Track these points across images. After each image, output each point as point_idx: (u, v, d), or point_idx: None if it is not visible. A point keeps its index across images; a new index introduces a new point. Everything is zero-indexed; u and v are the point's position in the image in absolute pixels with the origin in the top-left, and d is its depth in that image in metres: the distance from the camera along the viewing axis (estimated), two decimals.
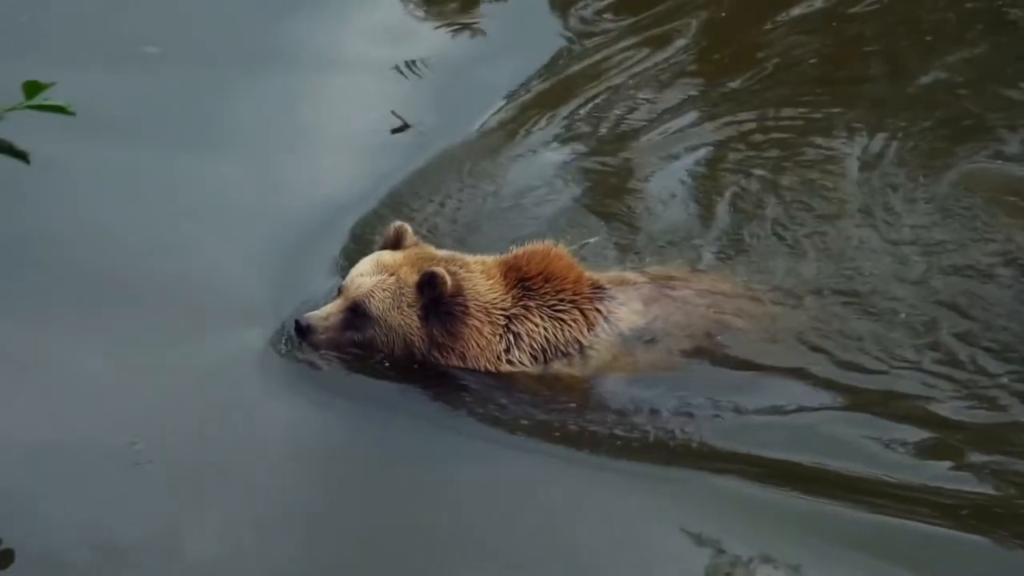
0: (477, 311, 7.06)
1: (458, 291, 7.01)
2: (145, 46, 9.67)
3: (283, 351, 7.17)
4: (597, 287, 7.30)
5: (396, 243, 7.22)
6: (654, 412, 6.96)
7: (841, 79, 9.91)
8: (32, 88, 4.92)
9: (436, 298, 6.97)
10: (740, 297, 7.52)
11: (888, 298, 7.65)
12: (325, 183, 8.66)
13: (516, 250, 7.32)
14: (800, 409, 7.03)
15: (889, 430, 6.88)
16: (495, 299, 7.12)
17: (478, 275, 7.13)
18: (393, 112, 9.34)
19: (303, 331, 6.98)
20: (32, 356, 7.02)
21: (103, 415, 6.80)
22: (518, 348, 7.12)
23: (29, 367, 6.78)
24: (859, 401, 7.08)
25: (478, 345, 7.06)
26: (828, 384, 7.17)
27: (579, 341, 7.18)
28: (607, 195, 8.77)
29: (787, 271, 7.86)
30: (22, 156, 5.02)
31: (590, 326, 7.19)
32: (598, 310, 7.23)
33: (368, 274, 7.03)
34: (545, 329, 7.14)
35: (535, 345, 7.13)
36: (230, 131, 9.06)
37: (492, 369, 7.10)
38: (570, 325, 7.17)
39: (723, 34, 10.56)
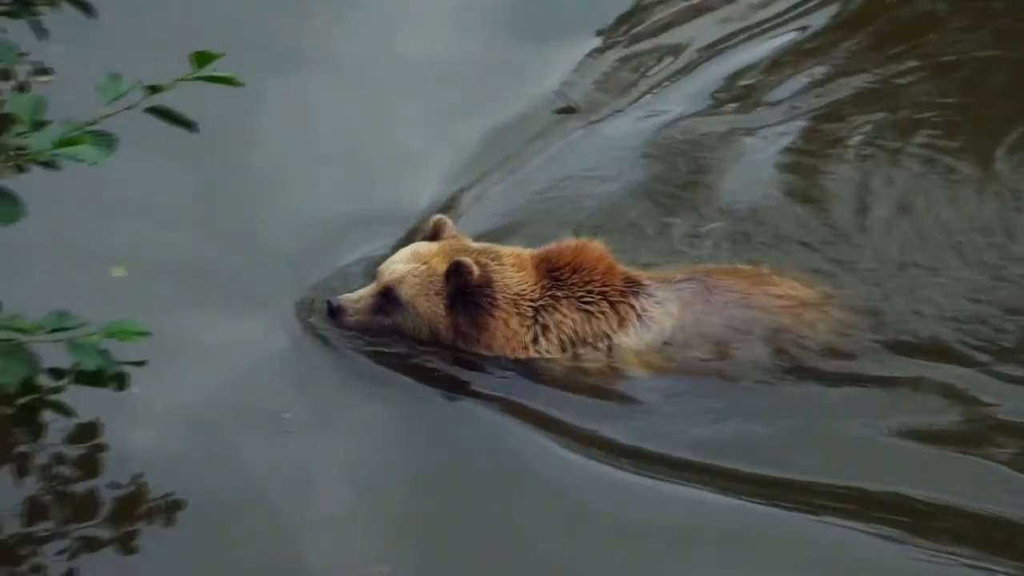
0: (505, 303, 7.14)
1: (487, 282, 7.12)
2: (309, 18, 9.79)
3: (308, 321, 7.36)
4: (632, 282, 7.26)
5: (435, 236, 7.36)
6: (674, 418, 6.93)
7: (982, 76, 9.51)
8: (201, 58, 4.96)
9: (462, 287, 7.08)
10: (803, 303, 7.34)
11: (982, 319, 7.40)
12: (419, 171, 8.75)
13: (551, 244, 7.38)
14: (841, 430, 6.87)
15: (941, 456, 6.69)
16: (524, 290, 7.18)
17: (509, 267, 7.21)
18: (557, 93, 9.28)
19: (334, 312, 7.19)
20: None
21: (253, 383, 7.09)
22: (545, 339, 7.17)
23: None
24: (921, 426, 6.87)
25: (504, 336, 7.14)
26: (889, 407, 6.96)
27: (607, 335, 7.18)
28: (702, 176, 8.65)
29: (886, 278, 7.69)
30: (190, 125, 5.07)
31: (620, 321, 7.19)
32: (631, 305, 7.20)
33: (402, 262, 7.20)
34: (573, 321, 7.17)
35: (563, 337, 7.17)
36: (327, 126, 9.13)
37: (520, 357, 7.16)
38: (598, 317, 7.18)
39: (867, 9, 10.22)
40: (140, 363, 5.21)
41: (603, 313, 7.17)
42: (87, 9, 6.07)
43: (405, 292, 7.13)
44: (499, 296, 7.12)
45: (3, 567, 5.91)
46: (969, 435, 6.76)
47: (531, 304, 7.17)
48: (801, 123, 9.11)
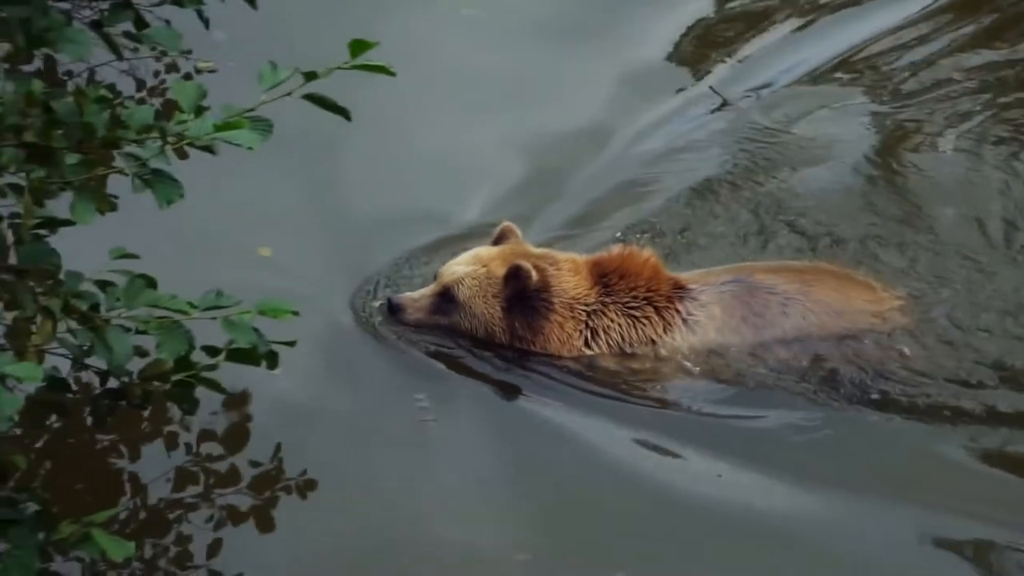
0: (561, 307, 7.24)
1: (544, 286, 7.22)
2: (463, 8, 9.87)
3: (365, 317, 7.46)
4: (678, 286, 7.30)
5: (499, 240, 7.49)
6: (714, 423, 6.97)
7: None
8: (357, 46, 5.04)
9: (520, 291, 7.19)
10: (856, 310, 7.23)
11: None
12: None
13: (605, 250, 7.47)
14: (878, 447, 6.78)
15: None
16: (579, 294, 7.26)
17: (566, 272, 7.29)
18: (711, 87, 9.26)
19: (394, 309, 7.33)
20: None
21: (388, 368, 7.29)
22: (596, 343, 7.25)
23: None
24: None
25: (559, 339, 7.24)
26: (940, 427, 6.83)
27: (653, 340, 7.22)
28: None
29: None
30: (343, 112, 5.16)
31: (666, 326, 7.24)
32: (677, 310, 7.25)
33: (462, 264, 7.35)
34: (620, 326, 7.24)
35: (611, 341, 7.25)
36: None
37: (573, 356, 7.25)
38: (643, 323, 7.25)
39: None
40: (291, 343, 5.35)
41: (648, 318, 7.25)
42: (250, 0, 6.26)
43: (463, 293, 7.27)
44: (556, 300, 7.23)
45: (153, 532, 6.14)
46: None
47: (584, 308, 7.27)
48: (902, 109, 8.93)
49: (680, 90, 9.46)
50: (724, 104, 9.24)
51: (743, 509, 6.46)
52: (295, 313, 5.07)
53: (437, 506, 6.46)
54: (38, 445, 6.43)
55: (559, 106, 9.25)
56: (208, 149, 4.90)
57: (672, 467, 6.71)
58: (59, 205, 4.97)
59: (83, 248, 5.30)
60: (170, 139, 4.86)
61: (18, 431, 6.34)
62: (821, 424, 6.88)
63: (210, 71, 8.72)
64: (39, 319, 5.00)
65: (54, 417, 6.43)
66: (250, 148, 4.82)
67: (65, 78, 8.43)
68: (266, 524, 6.25)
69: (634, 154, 8.88)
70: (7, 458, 5.07)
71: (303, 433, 6.71)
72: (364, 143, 8.57)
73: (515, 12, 9.97)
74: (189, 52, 8.60)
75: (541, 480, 6.67)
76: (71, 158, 4.88)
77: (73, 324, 5.06)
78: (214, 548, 6.09)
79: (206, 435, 6.58)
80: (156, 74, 8.76)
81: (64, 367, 5.71)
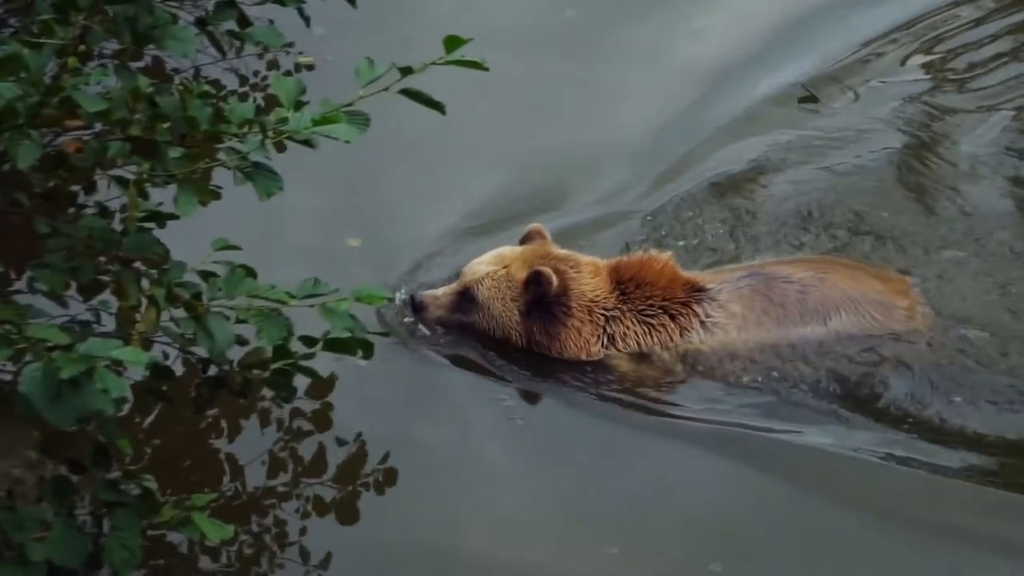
0: (579, 311, 7.24)
1: (564, 291, 7.22)
2: (566, 9, 9.90)
3: (402, 320, 7.38)
4: (696, 289, 7.27)
5: (526, 241, 7.48)
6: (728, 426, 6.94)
7: None
8: (452, 42, 5.13)
9: (540, 296, 7.19)
10: (871, 301, 7.17)
11: None
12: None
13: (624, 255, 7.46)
14: (898, 456, 6.70)
15: None
16: (598, 297, 7.26)
17: (587, 275, 7.28)
18: (803, 85, 9.21)
19: (416, 307, 7.31)
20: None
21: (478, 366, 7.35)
22: (613, 347, 7.25)
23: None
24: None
25: (576, 345, 7.25)
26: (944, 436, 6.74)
27: (668, 347, 7.22)
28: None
29: None
30: (438, 106, 5.25)
31: (682, 331, 7.22)
32: (694, 313, 7.22)
33: (485, 263, 7.35)
34: (636, 333, 7.24)
35: (628, 348, 7.25)
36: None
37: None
38: (658, 330, 7.24)
39: None
40: (385, 334, 5.45)
41: (663, 325, 7.24)
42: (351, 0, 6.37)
43: (482, 294, 7.28)
44: (574, 304, 7.23)
45: (250, 515, 6.31)
46: None
47: (603, 312, 7.27)
48: (954, 93, 8.82)
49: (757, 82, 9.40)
50: (812, 99, 9.17)
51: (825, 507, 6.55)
52: (390, 299, 5.17)
53: (525, 500, 6.54)
54: (147, 425, 6.60)
55: (624, 105, 9.22)
56: (307, 143, 5.02)
57: (747, 468, 6.75)
58: (167, 197, 5.12)
59: (174, 238, 5.44)
60: (270, 133, 4.98)
61: (126, 410, 6.51)
62: (860, 425, 6.87)
63: (308, 67, 8.86)
64: (144, 307, 5.16)
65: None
66: (347, 141, 4.93)
67: (172, 73, 8.62)
68: (350, 513, 6.38)
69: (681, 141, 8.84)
70: (113, 442, 5.21)
71: (390, 426, 6.83)
72: (442, 137, 8.53)
73: (608, 14, 9.93)
74: (290, 45, 8.73)
75: (625, 477, 6.71)
76: (175, 152, 5.03)
77: (176, 313, 5.21)
78: (303, 532, 6.24)
79: (296, 414, 6.75)
80: (256, 73, 8.90)
81: (163, 357, 5.89)
